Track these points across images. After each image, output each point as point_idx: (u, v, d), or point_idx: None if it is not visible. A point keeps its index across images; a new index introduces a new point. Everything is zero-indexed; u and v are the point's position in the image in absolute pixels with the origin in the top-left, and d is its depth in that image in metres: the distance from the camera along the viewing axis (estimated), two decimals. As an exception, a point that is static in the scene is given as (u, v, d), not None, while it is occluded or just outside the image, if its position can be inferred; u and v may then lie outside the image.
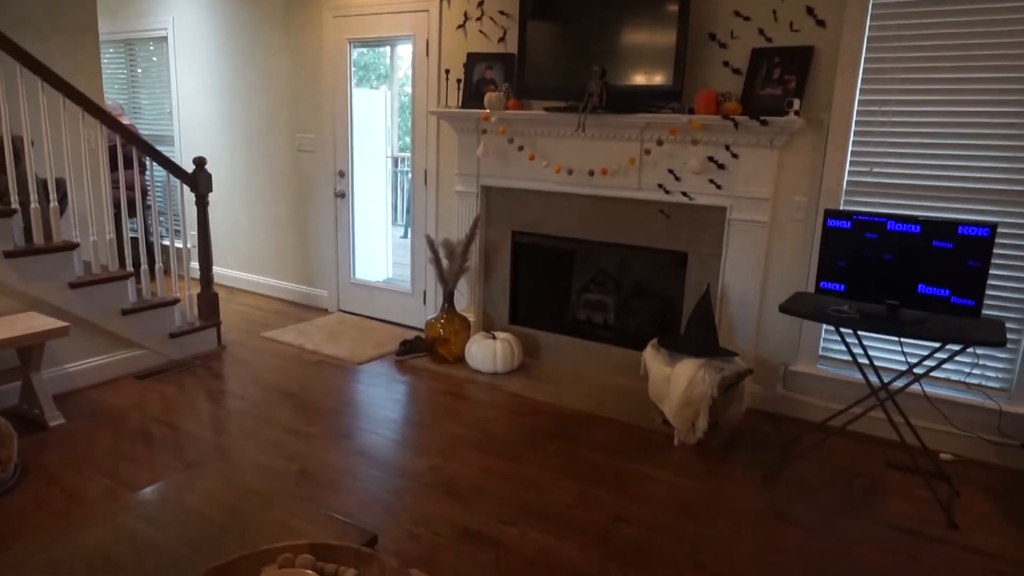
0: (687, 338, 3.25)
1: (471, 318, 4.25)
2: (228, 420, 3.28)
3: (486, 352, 3.89)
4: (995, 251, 2.96)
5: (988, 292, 2.99)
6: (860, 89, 3.10)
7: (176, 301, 3.96)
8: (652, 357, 3.29)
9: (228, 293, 5.43)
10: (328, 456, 2.95)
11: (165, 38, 5.55)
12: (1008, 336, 2.98)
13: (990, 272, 2.97)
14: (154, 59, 5.75)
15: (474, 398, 3.62)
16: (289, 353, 4.19)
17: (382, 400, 3.56)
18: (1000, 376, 3.06)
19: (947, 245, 2.56)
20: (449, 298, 4.08)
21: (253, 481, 1.62)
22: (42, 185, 3.52)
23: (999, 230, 2.95)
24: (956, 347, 3.06)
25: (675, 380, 3.09)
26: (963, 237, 2.55)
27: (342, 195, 4.88)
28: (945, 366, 3.13)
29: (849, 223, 2.75)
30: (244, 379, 3.77)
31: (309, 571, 1.16)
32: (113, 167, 4.79)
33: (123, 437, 3.05)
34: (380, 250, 5.24)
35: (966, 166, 2.97)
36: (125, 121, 4.75)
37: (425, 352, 4.16)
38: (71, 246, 3.39)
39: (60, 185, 3.68)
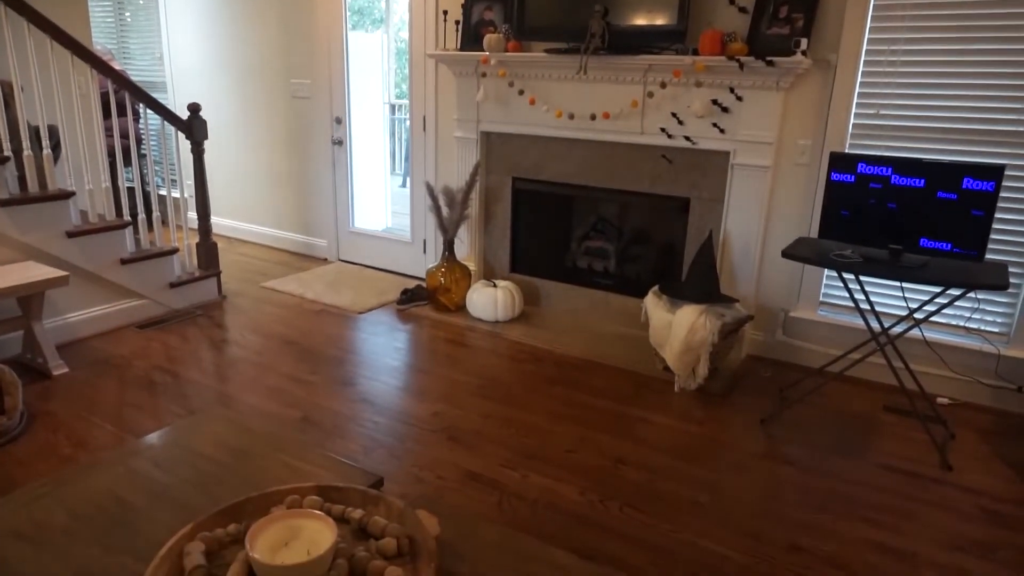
0: (688, 285, 3.25)
1: (472, 266, 4.26)
2: (230, 369, 3.30)
3: (487, 300, 3.91)
4: (1000, 194, 2.93)
5: (992, 236, 2.97)
6: (869, 28, 3.03)
7: (175, 251, 3.94)
8: (653, 304, 3.29)
9: (227, 243, 5.42)
10: (331, 403, 2.97)
11: (153, -20, 5.41)
12: (1010, 280, 2.98)
13: (995, 216, 2.94)
14: (141, 1, 5.60)
15: (475, 346, 3.64)
16: (290, 302, 4.20)
17: (384, 348, 3.58)
18: (1000, 320, 3.07)
19: (951, 196, 2.54)
20: (449, 246, 4.07)
21: (258, 426, 1.63)
22: (34, 132, 3.45)
23: (1006, 172, 2.91)
24: (957, 291, 3.06)
25: (676, 326, 3.09)
26: (967, 191, 2.52)
27: (339, 143, 4.83)
28: (945, 311, 3.14)
29: (853, 177, 2.73)
30: (245, 328, 3.78)
31: (317, 511, 1.18)
32: (106, 114, 4.71)
33: (127, 385, 3.07)
34: (379, 199, 5.21)
35: (974, 107, 2.93)
36: (116, 67, 4.64)
37: (426, 301, 4.17)
38: (67, 194, 3.35)
39: (53, 132, 3.62)
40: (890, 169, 2.67)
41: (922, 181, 2.60)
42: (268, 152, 5.25)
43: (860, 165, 2.72)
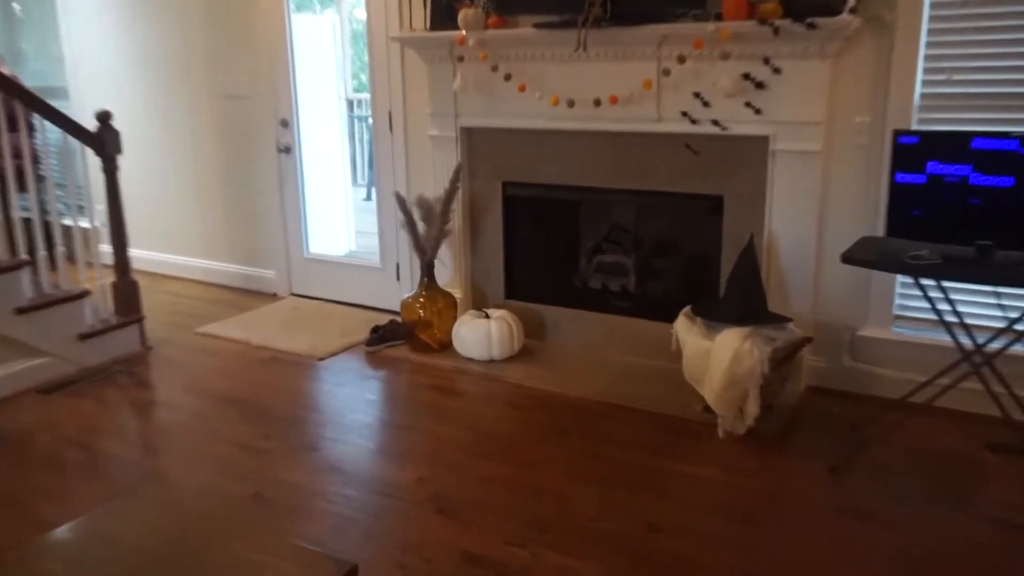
0: (728, 302, 3.25)
1: (457, 294, 4.26)
2: (161, 438, 3.29)
3: (478, 335, 3.91)
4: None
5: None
6: (932, -25, 3.10)
7: (85, 293, 3.95)
8: (685, 329, 3.29)
9: (151, 280, 5.40)
10: (289, 474, 2.96)
11: (47, -37, 5.49)
12: None
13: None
14: (34, -9, 5.68)
15: (467, 392, 3.65)
16: (232, 351, 4.21)
17: (353, 401, 3.58)
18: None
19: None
20: (429, 271, 4.08)
21: (199, 508, 1.62)
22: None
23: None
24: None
25: (715, 355, 3.09)
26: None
27: (287, 150, 4.85)
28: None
29: (923, 177, 2.78)
30: (178, 386, 3.78)
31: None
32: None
33: (29, 467, 3.04)
34: (339, 217, 5.23)
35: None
36: (5, 71, 4.68)
37: (403, 339, 4.18)
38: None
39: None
40: (969, 168, 2.69)
41: (1010, 180, 2.61)
42: (198, 167, 5.27)
43: (930, 164, 2.76)
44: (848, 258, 2.77)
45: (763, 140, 3.40)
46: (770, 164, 3.39)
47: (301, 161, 4.86)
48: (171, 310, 4.86)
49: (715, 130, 3.45)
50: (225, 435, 3.28)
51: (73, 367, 3.90)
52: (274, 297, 5.10)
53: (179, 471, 3.00)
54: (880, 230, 3.27)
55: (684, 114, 3.49)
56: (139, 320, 4.23)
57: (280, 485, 2.88)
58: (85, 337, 3.95)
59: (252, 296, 5.14)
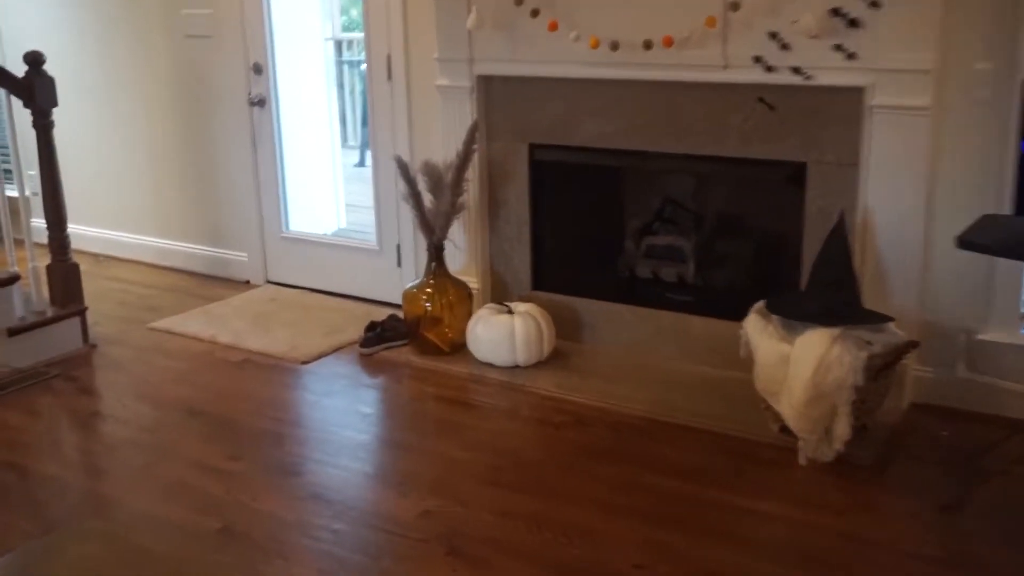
0: (812, 297, 3.24)
1: (473, 283, 4.24)
2: (107, 457, 3.29)
3: (500, 334, 3.89)
4: None
5: None
6: None
7: (14, 279, 3.97)
8: (758, 330, 3.28)
9: (94, 263, 5.41)
10: (265, 503, 2.94)
11: None
12: None
13: None
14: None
15: (483, 405, 3.64)
16: (195, 350, 4.20)
17: (343, 415, 3.57)
18: None
19: None
20: (437, 254, 4.06)
21: (154, 545, 1.63)
22: None
23: None
24: None
25: (796, 363, 3.07)
26: None
27: (261, 102, 4.84)
28: None
29: None
30: (127, 393, 3.79)
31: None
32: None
33: (-55, 492, 3.06)
34: (325, 187, 5.22)
35: None
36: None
37: (405, 339, 4.16)
38: None
39: None
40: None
41: None
42: (151, 123, 5.27)
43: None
44: (965, 242, 2.75)
45: (857, 93, 3.37)
46: (866, 123, 3.37)
47: (278, 116, 4.83)
48: (119, 300, 4.85)
49: (796, 80, 3.42)
50: (185, 455, 3.26)
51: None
52: (246, 285, 5.09)
53: (128, 499, 2.98)
54: (1006, 207, 3.23)
55: (757, 59, 3.47)
56: (80, 312, 4.24)
57: (253, 518, 2.86)
58: (14, 333, 3.96)
59: (219, 284, 5.12)
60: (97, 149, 5.50)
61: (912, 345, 3.20)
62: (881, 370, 3.06)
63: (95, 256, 5.58)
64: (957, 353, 3.49)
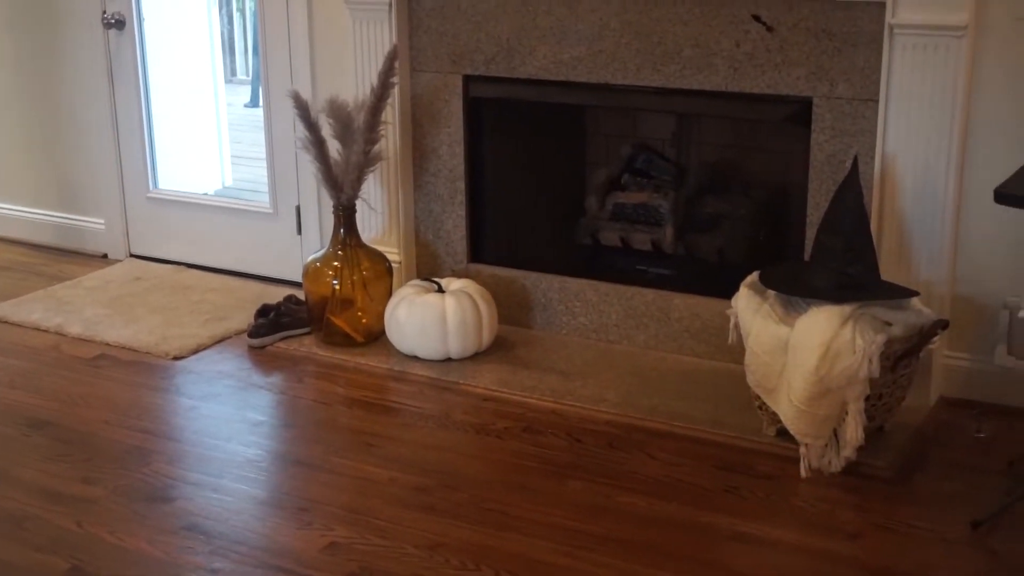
0: (818, 267, 3.14)
1: (393, 255, 4.15)
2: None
3: (427, 319, 3.77)
4: None
5: None
6: None
7: None
8: (751, 308, 3.19)
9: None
10: (126, 538, 2.82)
11: None
12: None
13: None
14: None
15: (407, 409, 3.58)
16: (37, 344, 4.10)
17: (227, 424, 3.50)
18: None
19: None
20: (347, 219, 3.96)
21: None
22: None
23: None
24: None
25: (798, 349, 2.99)
26: None
27: (119, 23, 4.65)
28: None
29: None
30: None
31: None
32: None
33: None
34: (206, 134, 5.18)
35: None
36: None
37: (307, 327, 4.07)
38: None
39: None
40: None
41: None
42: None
43: None
44: (1007, 195, 2.65)
45: (875, 9, 3.24)
46: (886, 48, 3.23)
47: (142, 42, 4.69)
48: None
49: (799, -7, 3.33)
50: (25, 477, 3.13)
51: None
52: (103, 260, 4.99)
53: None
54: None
55: (751, -33, 3.36)
56: None
57: (111, 556, 2.74)
58: None
59: (68, 259, 5.04)
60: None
61: (941, 326, 3.12)
62: (902, 358, 3.03)
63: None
64: (996, 336, 3.41)
